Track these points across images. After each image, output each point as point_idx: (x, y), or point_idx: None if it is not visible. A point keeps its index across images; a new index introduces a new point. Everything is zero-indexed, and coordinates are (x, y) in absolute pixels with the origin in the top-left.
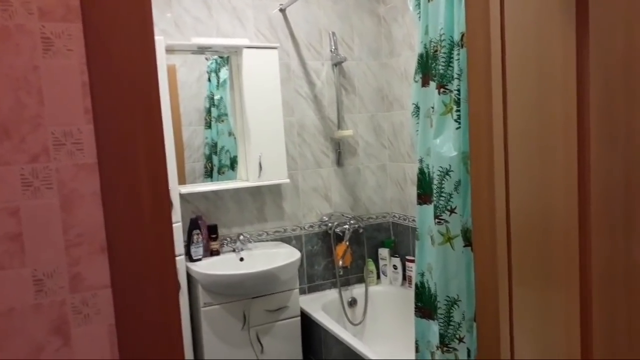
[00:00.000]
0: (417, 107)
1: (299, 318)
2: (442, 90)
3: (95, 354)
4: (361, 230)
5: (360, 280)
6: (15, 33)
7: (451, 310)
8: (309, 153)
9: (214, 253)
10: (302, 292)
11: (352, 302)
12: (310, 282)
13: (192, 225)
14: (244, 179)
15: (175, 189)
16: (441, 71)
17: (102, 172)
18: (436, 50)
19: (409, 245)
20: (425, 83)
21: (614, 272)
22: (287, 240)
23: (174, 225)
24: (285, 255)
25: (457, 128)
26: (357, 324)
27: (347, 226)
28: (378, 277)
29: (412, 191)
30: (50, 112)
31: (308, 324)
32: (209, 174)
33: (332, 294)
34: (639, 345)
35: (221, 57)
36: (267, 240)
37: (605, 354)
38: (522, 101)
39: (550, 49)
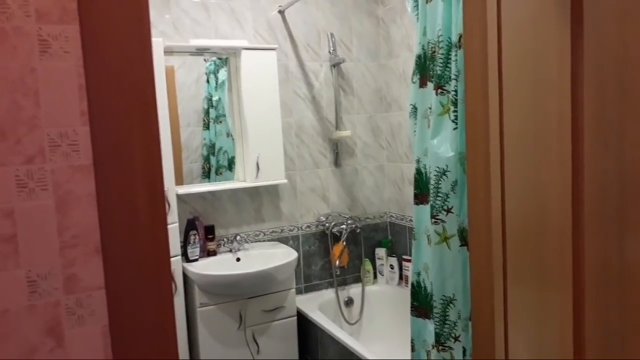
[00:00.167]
0: (415, 108)
1: (296, 318)
2: (439, 91)
3: (89, 355)
4: (358, 230)
5: (357, 280)
6: (13, 35)
7: (447, 310)
8: (307, 154)
9: (211, 253)
10: (299, 292)
11: (349, 302)
12: (307, 282)
13: (189, 226)
14: (241, 179)
15: (173, 190)
16: (439, 72)
17: (98, 174)
18: (434, 52)
19: (406, 245)
20: (423, 84)
21: (606, 273)
22: (284, 240)
23: (170, 225)
24: (282, 256)
25: (455, 129)
26: (354, 324)
27: (344, 226)
28: (375, 276)
29: (410, 191)
30: (47, 113)
31: (304, 323)
32: (206, 175)
33: (328, 294)
34: (631, 346)
35: (220, 59)
36: (264, 241)
37: (597, 354)
38: (518, 102)
39: (545, 50)
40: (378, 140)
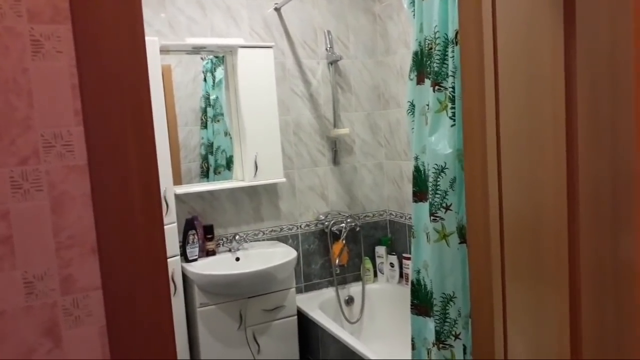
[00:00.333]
0: (413, 105)
1: (296, 317)
2: (437, 87)
3: (87, 356)
4: (358, 229)
5: (357, 278)
6: (4, 35)
7: (447, 307)
8: (305, 152)
9: (210, 253)
10: (299, 291)
11: (349, 301)
12: (307, 281)
13: (188, 226)
14: (239, 178)
15: (171, 190)
16: (436, 69)
17: (93, 174)
18: (431, 48)
19: (405, 242)
20: (420, 81)
21: (601, 270)
22: (283, 239)
23: (169, 225)
24: (282, 255)
25: (452, 125)
26: (354, 322)
27: (343, 225)
28: (375, 275)
29: (409, 189)
30: (40, 114)
31: (305, 323)
32: (205, 174)
33: (329, 293)
34: (626, 343)
35: (216, 57)
36: (264, 240)
37: (594, 350)
38: (513, 101)
39: (539, 49)
40: (376, 138)
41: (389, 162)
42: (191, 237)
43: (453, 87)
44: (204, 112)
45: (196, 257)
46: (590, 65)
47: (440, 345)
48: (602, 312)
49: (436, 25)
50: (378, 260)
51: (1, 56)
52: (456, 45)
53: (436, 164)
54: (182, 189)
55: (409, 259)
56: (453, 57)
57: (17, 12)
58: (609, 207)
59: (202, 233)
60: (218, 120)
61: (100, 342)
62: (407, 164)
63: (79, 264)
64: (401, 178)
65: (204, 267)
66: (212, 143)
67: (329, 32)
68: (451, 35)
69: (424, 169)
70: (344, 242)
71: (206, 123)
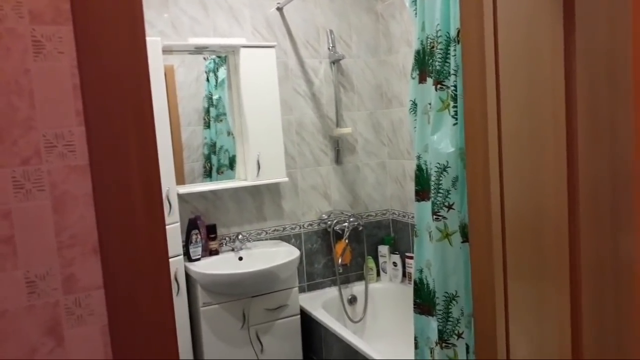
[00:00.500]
0: (415, 104)
1: (299, 316)
2: (439, 86)
3: (89, 355)
4: (361, 228)
5: (360, 277)
6: (6, 36)
7: (450, 306)
8: (308, 151)
9: (213, 253)
10: (302, 290)
11: (352, 300)
12: (310, 280)
13: (191, 225)
14: (242, 178)
15: (174, 189)
16: (438, 67)
17: (94, 174)
18: (433, 47)
19: (408, 242)
20: (422, 79)
21: (602, 269)
22: (286, 238)
23: (172, 225)
24: (285, 254)
25: (454, 124)
26: (357, 322)
27: (346, 224)
28: (378, 274)
29: (412, 188)
30: (42, 114)
31: (308, 322)
32: (208, 174)
33: (332, 292)
34: (627, 342)
35: (219, 57)
36: (266, 239)
37: (594, 349)
38: (514, 99)
39: (539, 47)
40: (379, 137)
41: (391, 161)
42: (194, 237)
43: (455, 86)
44: (207, 112)
45: (199, 256)
46: (590, 64)
47: (443, 345)
48: (603, 311)
49: (438, 24)
50: (381, 260)
51: (3, 57)
52: (458, 43)
53: (438, 163)
54: (185, 189)
55: (411, 258)
56: (455, 55)
57: (18, 13)
58: (608, 206)
59: (205, 232)
60: (221, 120)
61: (103, 341)
62: (409, 163)
63: (81, 264)
64: (404, 177)
65: (207, 266)
66: (215, 143)
67: (331, 31)
68: (453, 33)
69: (427, 168)
70: (346, 241)
71: (209, 123)
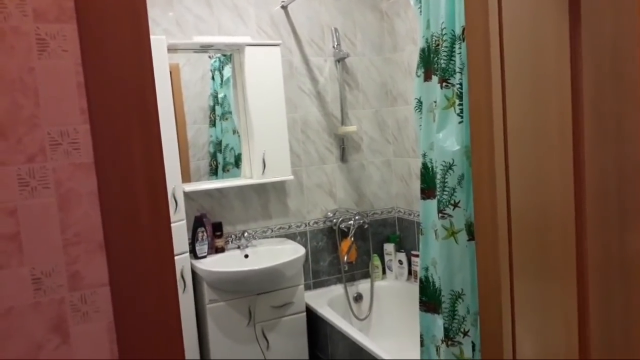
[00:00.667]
0: (420, 102)
1: (305, 314)
2: (444, 84)
3: (95, 352)
4: (366, 226)
5: (366, 275)
6: (10, 35)
7: (456, 304)
8: (313, 149)
9: (219, 250)
10: (307, 288)
11: (358, 298)
12: (316, 278)
13: (197, 223)
14: (248, 176)
15: (180, 187)
16: (443, 65)
17: (99, 172)
18: (438, 45)
19: (414, 240)
20: (427, 77)
21: (609, 265)
22: (291, 236)
23: (178, 223)
24: (290, 252)
25: (460, 122)
26: (363, 319)
27: (351, 222)
28: (384, 272)
29: (417, 186)
30: (46, 112)
31: (314, 319)
32: (214, 172)
33: (337, 290)
34: (635, 339)
35: (224, 55)
36: (272, 237)
37: (602, 346)
38: (520, 96)
39: (545, 43)
40: (384, 135)
41: (397, 159)
42: (200, 235)
43: (460, 84)
44: (213, 110)
45: (205, 254)
46: (596, 60)
47: (449, 343)
48: (610, 308)
49: (443, 22)
50: (386, 258)
51: (7, 55)
52: (463, 41)
53: (444, 161)
54: (190, 187)
55: (417, 256)
56: (460, 53)
57: (22, 11)
58: (616, 202)
59: (211, 230)
60: (226, 119)
61: (108, 338)
62: (415, 161)
63: (86, 261)
64: (409, 175)
65: (213, 264)
66: (221, 141)
67: (336, 29)
68: (458, 31)
69: (432, 166)
70: (352, 239)
71: (214, 121)
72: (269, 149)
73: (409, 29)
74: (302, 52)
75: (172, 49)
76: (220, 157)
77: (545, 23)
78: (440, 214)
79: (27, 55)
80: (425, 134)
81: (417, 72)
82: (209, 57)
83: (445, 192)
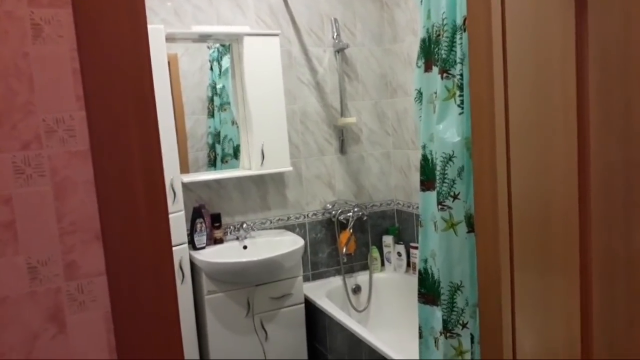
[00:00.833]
0: (420, 93)
1: (303, 305)
2: (444, 75)
3: (92, 341)
4: (365, 218)
5: (365, 267)
6: (4, 19)
7: (454, 296)
8: (312, 141)
9: (218, 241)
10: (306, 279)
11: (356, 289)
12: (314, 270)
13: (195, 214)
14: (246, 167)
15: (178, 178)
16: (444, 56)
17: (95, 159)
18: (439, 35)
19: (413, 232)
20: (428, 68)
21: (613, 259)
22: (290, 228)
23: (177, 214)
24: (289, 243)
25: (460, 113)
26: (362, 311)
27: (350, 214)
28: (382, 264)
29: (416, 178)
30: (41, 99)
31: (312, 311)
32: (212, 163)
33: (336, 281)
34: (639, 332)
35: (223, 45)
36: (271, 229)
37: (605, 341)
38: (523, 86)
39: (550, 31)
40: (384, 127)
41: (396, 151)
42: (199, 226)
43: (461, 75)
44: (211, 101)
45: (204, 245)
46: (603, 48)
47: (448, 334)
48: (614, 304)
49: (444, 12)
50: (385, 250)
51: (1, 41)
52: (464, 31)
53: (444, 153)
54: (189, 178)
55: (416, 248)
56: (461, 43)
57: None
58: (622, 194)
59: (209, 221)
60: (225, 109)
61: (105, 328)
62: (414, 153)
63: (83, 250)
64: (409, 167)
65: (212, 255)
66: (219, 132)
67: (335, 19)
68: (459, 21)
69: (432, 158)
70: (351, 231)
71: (213, 112)
72: (267, 140)
73: (409, 20)
74: (301, 43)
75: (170, 39)
76: (218, 148)
77: (550, 11)
78: (439, 206)
79: (22, 40)
80: (425, 126)
81: (417, 63)
82: (208, 47)
83: (445, 184)
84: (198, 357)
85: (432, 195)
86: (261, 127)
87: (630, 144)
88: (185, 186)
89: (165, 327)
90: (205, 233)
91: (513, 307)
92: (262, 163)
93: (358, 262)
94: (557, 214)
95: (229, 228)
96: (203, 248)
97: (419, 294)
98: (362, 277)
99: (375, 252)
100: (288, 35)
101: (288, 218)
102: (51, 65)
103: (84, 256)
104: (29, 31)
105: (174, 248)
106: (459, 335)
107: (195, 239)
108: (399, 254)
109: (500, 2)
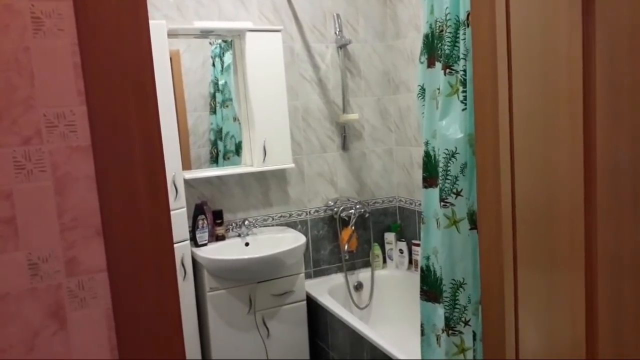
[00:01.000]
0: (423, 89)
1: (305, 302)
2: (447, 71)
3: (93, 338)
4: (367, 215)
5: (366, 264)
6: (4, 13)
7: (457, 294)
8: (314, 137)
9: (220, 238)
10: (308, 276)
11: (358, 286)
12: (316, 267)
13: (197, 211)
14: (248, 164)
15: (180, 175)
16: (447, 51)
17: (97, 155)
18: (442, 30)
19: (415, 229)
20: (431, 64)
21: (620, 255)
22: (292, 225)
23: (178, 210)
24: (291, 240)
25: (463, 109)
26: (363, 308)
27: (352, 211)
28: (384, 261)
29: (419, 175)
30: (42, 93)
31: (314, 308)
32: (214, 160)
33: (338, 278)
34: None
35: (225, 41)
36: (273, 225)
37: (611, 340)
38: (528, 82)
39: (555, 25)
40: (386, 124)
41: (398, 148)
42: (200, 222)
43: (464, 70)
44: (213, 97)
45: (206, 241)
46: (611, 40)
47: (450, 332)
48: (621, 302)
49: (447, 7)
50: (387, 247)
51: (1, 34)
52: (467, 27)
53: (447, 149)
54: (191, 174)
55: (418, 245)
56: (464, 39)
57: None
58: (630, 191)
59: (211, 218)
60: (227, 106)
61: (107, 325)
62: (417, 150)
63: (84, 246)
64: (411, 164)
65: (214, 251)
66: (221, 129)
67: (338, 15)
68: (462, 16)
69: (435, 154)
70: (353, 228)
71: (215, 108)
72: (269, 137)
73: (412, 16)
74: (303, 39)
75: (172, 34)
76: (220, 144)
77: (557, 3)
78: (442, 203)
79: (22, 34)
80: (428, 122)
81: (420, 59)
82: (210, 43)
83: (447, 181)
84: (200, 354)
85: (435, 192)
86: (263, 123)
87: (638, 135)
88: (187, 183)
89: (167, 324)
90: (207, 230)
91: (516, 305)
92: (264, 160)
93: (360, 259)
94: (562, 211)
95: (231, 225)
96: (205, 245)
97: (421, 291)
98: (364, 274)
99: (377, 249)
100: (290, 31)
101: (290, 215)
102: (52, 59)
103: (85, 252)
104: (29, 25)
105: (175, 245)
106: (461, 332)
107: (197, 235)
108: (401, 251)
109: None
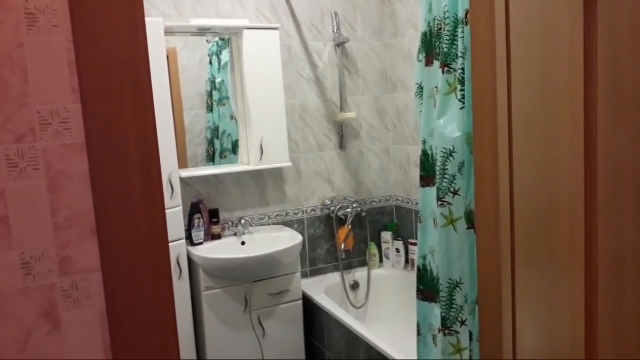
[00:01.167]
0: (421, 87)
1: (301, 301)
2: (445, 69)
3: (86, 338)
4: (364, 214)
5: (363, 263)
6: None
7: (453, 293)
8: (311, 136)
9: (215, 237)
10: (304, 275)
11: (354, 285)
12: (312, 266)
13: (193, 209)
14: (245, 162)
15: (176, 173)
16: (445, 50)
17: (91, 153)
18: (440, 28)
19: (412, 228)
20: (428, 62)
21: (621, 255)
22: (289, 223)
23: (174, 209)
24: (287, 239)
25: (461, 108)
26: (359, 307)
27: (349, 209)
28: (380, 260)
29: (416, 174)
30: (36, 90)
31: (310, 307)
32: (211, 158)
33: (334, 277)
34: None
35: (222, 39)
36: (269, 224)
37: (611, 340)
38: (527, 80)
39: (556, 22)
40: (383, 122)
41: (396, 146)
42: (196, 221)
43: (462, 69)
44: (210, 95)
45: (201, 240)
46: (613, 39)
47: (446, 331)
48: (621, 302)
49: (445, 5)
50: (384, 246)
51: None
52: (466, 25)
53: (444, 148)
54: (187, 172)
55: (415, 244)
56: (463, 37)
57: None
58: (631, 189)
59: (207, 217)
60: (224, 104)
61: (100, 325)
62: (414, 149)
63: (77, 245)
64: (408, 163)
65: (209, 250)
66: (218, 127)
67: (335, 13)
68: (461, 14)
69: (432, 153)
70: (349, 227)
71: (212, 107)
72: (266, 135)
73: (410, 14)
74: (301, 37)
75: (169, 32)
76: (217, 143)
77: (557, 3)
78: (439, 202)
79: (16, 30)
80: (425, 120)
81: (418, 57)
82: (207, 41)
83: (444, 180)
84: (195, 354)
85: (432, 191)
86: (260, 122)
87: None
88: (183, 181)
89: (161, 324)
90: (202, 228)
91: (514, 305)
92: (260, 158)
93: (356, 258)
94: (562, 210)
95: (227, 223)
96: (200, 244)
97: (417, 291)
98: (360, 273)
99: (373, 248)
100: (288, 29)
101: (286, 214)
102: (46, 56)
103: (78, 251)
104: (23, 21)
105: (171, 243)
106: (457, 332)
107: (193, 234)
108: (398, 250)
109: None
